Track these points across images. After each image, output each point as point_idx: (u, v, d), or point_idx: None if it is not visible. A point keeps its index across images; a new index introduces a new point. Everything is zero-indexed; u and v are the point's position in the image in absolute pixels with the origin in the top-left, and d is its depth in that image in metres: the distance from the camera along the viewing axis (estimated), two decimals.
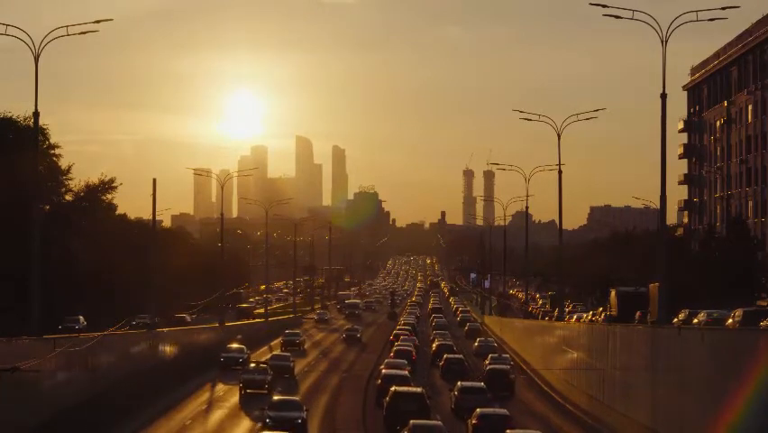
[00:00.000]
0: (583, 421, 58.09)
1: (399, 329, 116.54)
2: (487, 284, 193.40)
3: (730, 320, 56.36)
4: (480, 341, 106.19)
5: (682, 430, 42.01)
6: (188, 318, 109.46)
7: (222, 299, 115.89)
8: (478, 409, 52.19)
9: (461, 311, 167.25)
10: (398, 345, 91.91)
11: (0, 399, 43.50)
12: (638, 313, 79.32)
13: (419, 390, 57.05)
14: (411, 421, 46.97)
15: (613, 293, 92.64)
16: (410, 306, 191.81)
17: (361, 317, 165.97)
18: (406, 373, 67.94)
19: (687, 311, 61.64)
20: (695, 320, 59.36)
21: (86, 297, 79.28)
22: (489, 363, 78.70)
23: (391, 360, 78.66)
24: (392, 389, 56.19)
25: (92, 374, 57.64)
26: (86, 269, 79.43)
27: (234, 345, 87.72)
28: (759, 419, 34.12)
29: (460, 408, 59.38)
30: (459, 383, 64.16)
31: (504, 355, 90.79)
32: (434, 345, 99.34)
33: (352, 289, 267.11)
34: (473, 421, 51.16)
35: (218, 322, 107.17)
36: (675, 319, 60.31)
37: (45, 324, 54.99)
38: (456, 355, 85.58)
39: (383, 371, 68.79)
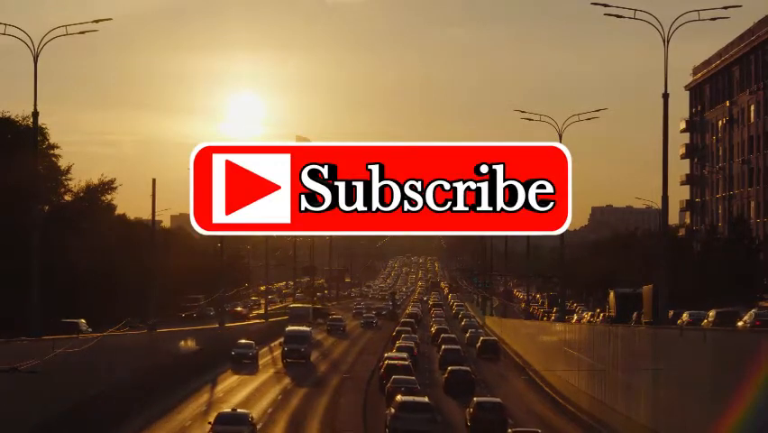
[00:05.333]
0: (584, 422, 57.90)
1: (401, 326, 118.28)
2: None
3: (705, 321, 57.27)
4: (465, 321, 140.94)
5: (684, 431, 41.77)
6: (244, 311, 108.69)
7: (222, 300, 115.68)
8: (449, 367, 73.36)
9: (457, 305, 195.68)
10: (400, 343, 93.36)
11: (0, 399, 43.38)
12: (635, 314, 79.59)
13: (407, 362, 70.67)
14: (393, 376, 62.71)
15: (611, 294, 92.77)
16: (413, 303, 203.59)
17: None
18: (405, 355, 77.42)
19: (672, 312, 62.01)
20: (679, 321, 60.13)
21: (85, 297, 79.05)
22: (482, 337, 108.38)
23: (393, 353, 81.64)
24: (386, 362, 70.82)
25: (91, 375, 57.44)
26: (86, 269, 79.20)
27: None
28: (761, 420, 33.90)
29: (442, 361, 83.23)
30: (443, 346, 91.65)
31: (479, 330, 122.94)
32: (432, 330, 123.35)
33: (352, 289, 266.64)
34: (446, 375, 71.64)
35: (218, 323, 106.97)
36: None
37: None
38: (450, 335, 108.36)
39: (386, 354, 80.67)
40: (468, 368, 75.31)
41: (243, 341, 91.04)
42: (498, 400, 57.35)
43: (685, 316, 62.23)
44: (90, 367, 56.21)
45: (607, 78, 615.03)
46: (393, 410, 50.91)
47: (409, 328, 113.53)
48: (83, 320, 71.80)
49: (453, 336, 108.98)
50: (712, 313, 58.00)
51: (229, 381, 75.66)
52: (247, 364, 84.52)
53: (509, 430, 49.42)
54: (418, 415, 49.79)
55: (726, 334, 43.10)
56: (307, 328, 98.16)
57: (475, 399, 56.42)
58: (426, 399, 54.21)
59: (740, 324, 54.00)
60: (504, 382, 78.25)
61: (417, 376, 69.85)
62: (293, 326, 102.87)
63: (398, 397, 52.58)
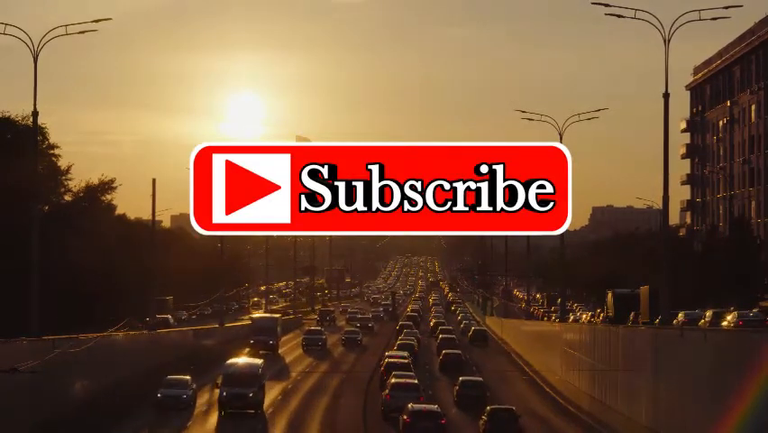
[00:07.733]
0: (585, 423, 57.83)
1: (405, 320, 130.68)
2: None
3: (702, 321, 57.69)
4: (461, 315, 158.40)
5: (684, 431, 41.73)
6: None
7: (222, 300, 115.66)
8: (444, 351, 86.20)
9: (455, 302, 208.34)
10: (402, 340, 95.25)
11: (0, 399, 43.32)
12: (632, 314, 79.78)
13: (406, 361, 72.35)
14: (393, 372, 64.29)
15: (609, 295, 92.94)
16: (413, 301, 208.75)
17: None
18: (405, 354, 77.31)
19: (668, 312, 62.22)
20: (675, 321, 60.38)
21: (85, 297, 78.96)
22: (473, 327, 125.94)
23: (393, 351, 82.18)
24: (386, 361, 72.27)
25: (91, 375, 57.39)
26: (86, 269, 79.08)
27: None
28: (761, 420, 33.86)
29: (439, 347, 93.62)
30: (440, 335, 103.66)
31: (472, 321, 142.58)
32: (431, 323, 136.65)
33: (352, 290, 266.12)
34: (441, 358, 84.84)
35: (218, 323, 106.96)
36: (656, 321, 61.05)
37: None
38: (447, 327, 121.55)
39: (386, 353, 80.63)
40: (459, 352, 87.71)
41: (177, 377, 60.46)
42: (479, 378, 67.85)
43: (681, 316, 62.56)
44: (90, 367, 56.19)
45: (607, 78, 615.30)
46: (387, 391, 58.17)
47: (411, 323, 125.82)
48: (170, 316, 71.92)
49: (450, 327, 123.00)
50: (709, 313, 58.34)
51: None
52: (178, 414, 56.59)
53: (488, 407, 54.07)
54: (408, 393, 56.13)
55: (726, 334, 43.09)
56: (259, 361, 62.62)
57: (461, 378, 66.04)
58: (416, 381, 61.52)
59: (724, 324, 54.39)
60: (505, 385, 77.58)
61: (417, 365, 75.70)
62: (239, 355, 75.77)
63: (392, 380, 59.88)
